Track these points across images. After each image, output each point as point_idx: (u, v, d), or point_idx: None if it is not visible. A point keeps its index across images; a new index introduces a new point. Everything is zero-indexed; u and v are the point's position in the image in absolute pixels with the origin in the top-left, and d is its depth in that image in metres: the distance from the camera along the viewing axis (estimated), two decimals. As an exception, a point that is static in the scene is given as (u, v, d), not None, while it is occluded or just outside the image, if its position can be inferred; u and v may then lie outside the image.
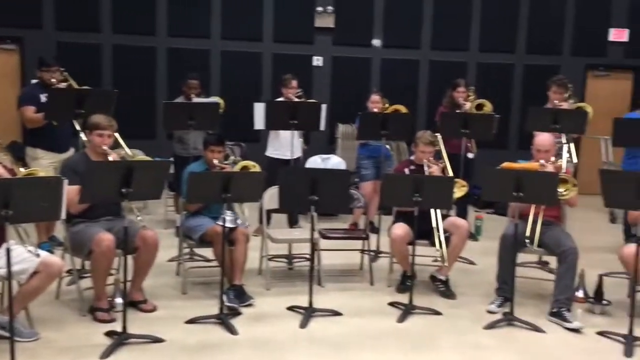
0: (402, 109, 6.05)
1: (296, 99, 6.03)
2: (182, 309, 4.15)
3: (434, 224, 4.48)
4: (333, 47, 8.73)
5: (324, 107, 5.71)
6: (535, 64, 8.77)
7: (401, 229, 4.51)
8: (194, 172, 4.25)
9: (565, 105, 5.59)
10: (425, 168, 4.68)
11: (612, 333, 3.90)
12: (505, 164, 4.37)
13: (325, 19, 8.60)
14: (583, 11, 9.01)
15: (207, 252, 4.78)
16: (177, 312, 4.10)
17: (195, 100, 6.02)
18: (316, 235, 4.70)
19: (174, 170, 5.73)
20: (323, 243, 4.97)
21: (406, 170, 4.80)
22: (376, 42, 8.82)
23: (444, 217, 4.67)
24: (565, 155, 4.51)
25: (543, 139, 4.51)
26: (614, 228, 6.86)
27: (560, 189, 4.18)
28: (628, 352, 3.66)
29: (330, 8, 8.57)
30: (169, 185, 6.01)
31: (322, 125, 5.77)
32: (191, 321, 3.95)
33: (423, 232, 4.43)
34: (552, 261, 4.65)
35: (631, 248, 3.93)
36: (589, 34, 9.07)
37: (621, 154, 6.21)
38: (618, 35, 9.09)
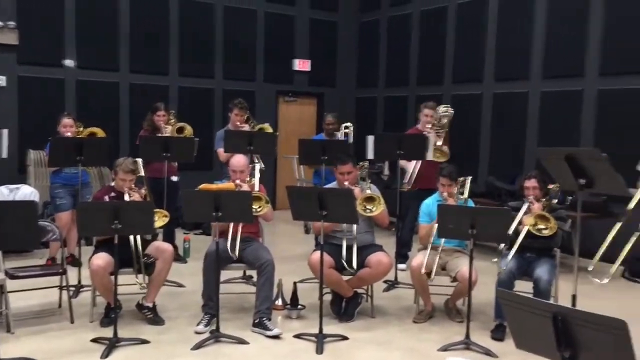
0: (100, 132, 5.79)
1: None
2: None
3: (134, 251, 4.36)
4: (18, 66, 7.91)
5: (5, 132, 5.13)
6: (233, 89, 9.23)
7: (101, 259, 4.29)
8: None
9: (246, 127, 6.02)
10: (126, 197, 4.53)
11: (306, 334, 4.29)
12: (203, 186, 4.50)
13: (6, 35, 7.72)
14: (271, 42, 9.86)
15: None
16: None
17: None
18: (1, 276, 4.19)
19: None
20: (12, 284, 4.43)
21: (106, 198, 4.59)
22: (69, 63, 8.27)
23: (149, 242, 4.59)
24: (257, 174, 4.83)
25: (238, 160, 4.78)
26: (309, 238, 7.62)
27: (255, 206, 4.48)
28: (319, 350, 4.07)
29: (11, 23, 7.73)
30: None
31: (5, 153, 5.19)
32: None
33: (126, 260, 4.30)
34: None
35: (316, 254, 4.41)
36: (278, 63, 9.96)
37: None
38: (302, 65, 10.19)
